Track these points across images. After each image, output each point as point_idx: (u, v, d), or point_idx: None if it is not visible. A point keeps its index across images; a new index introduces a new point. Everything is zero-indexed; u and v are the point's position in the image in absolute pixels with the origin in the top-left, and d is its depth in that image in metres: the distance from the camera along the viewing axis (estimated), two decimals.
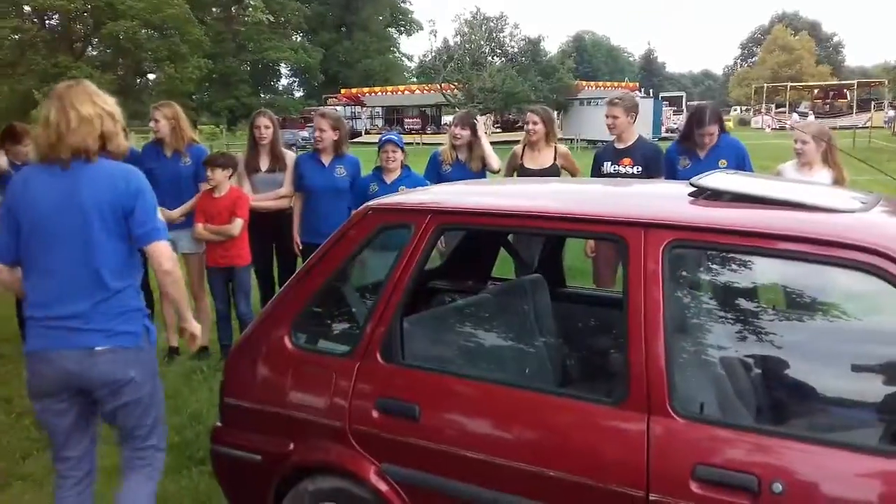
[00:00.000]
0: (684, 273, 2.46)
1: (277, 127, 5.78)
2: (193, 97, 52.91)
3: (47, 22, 51.56)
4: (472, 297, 3.28)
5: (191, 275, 5.71)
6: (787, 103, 58.02)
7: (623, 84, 52.39)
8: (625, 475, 2.18)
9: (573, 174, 5.72)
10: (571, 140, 32.26)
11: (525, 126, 5.77)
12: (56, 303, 2.70)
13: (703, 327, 2.44)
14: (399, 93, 47.71)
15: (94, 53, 53.42)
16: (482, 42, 41.79)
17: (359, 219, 2.77)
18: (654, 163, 5.17)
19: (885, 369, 2.41)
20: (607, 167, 5.30)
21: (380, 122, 52.10)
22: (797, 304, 2.68)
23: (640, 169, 5.16)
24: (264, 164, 5.65)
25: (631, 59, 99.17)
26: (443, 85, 40.94)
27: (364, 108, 51.37)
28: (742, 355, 2.46)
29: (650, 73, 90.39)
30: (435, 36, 65.18)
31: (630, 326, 2.24)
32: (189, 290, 5.82)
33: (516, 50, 42.99)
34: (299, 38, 61.02)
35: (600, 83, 49.45)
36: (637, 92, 48.88)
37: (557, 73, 42.05)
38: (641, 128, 32.10)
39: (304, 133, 38.17)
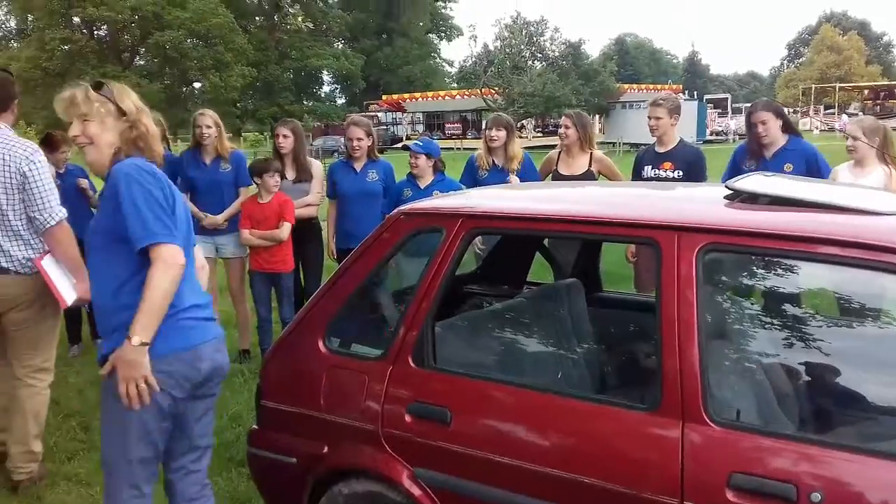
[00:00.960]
0: (719, 277, 2.42)
1: (302, 137, 5.83)
2: (238, 105, 53.70)
3: (96, 32, 52.81)
4: (506, 301, 3.27)
5: (233, 279, 5.81)
6: (836, 105, 56.78)
7: (666, 86, 51.91)
8: (659, 483, 2.15)
9: (613, 179, 5.66)
10: (613, 144, 32.00)
11: (559, 131, 5.74)
12: (196, 293, 2.67)
13: (738, 332, 2.40)
14: (440, 98, 47.88)
15: (142, 63, 54.56)
16: (522, 46, 41.74)
17: (391, 223, 2.78)
18: (695, 167, 5.08)
19: None
20: (647, 171, 5.23)
21: (421, 128, 52.35)
22: (835, 309, 2.62)
23: (680, 173, 5.09)
24: (290, 173, 5.71)
25: (674, 61, 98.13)
26: (483, 90, 40.95)
27: (405, 114, 51.67)
28: (779, 361, 2.41)
29: (694, 75, 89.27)
30: (475, 41, 65.28)
31: (664, 331, 2.21)
32: (228, 293, 5.94)
33: (557, 54, 42.83)
34: (341, 46, 61.63)
35: (643, 86, 49.05)
36: (681, 94, 48.34)
37: (599, 76, 41.79)
38: (685, 130, 31.67)
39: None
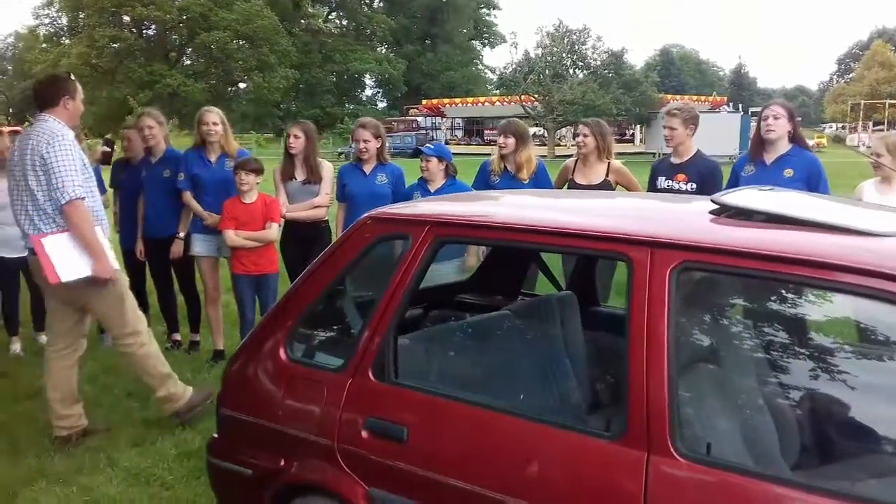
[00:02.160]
0: (694, 298, 2.23)
1: (314, 138, 5.70)
2: (280, 106, 54.21)
3: (144, 32, 53.74)
4: (490, 313, 3.10)
5: (208, 279, 5.73)
6: (886, 121, 55.38)
7: (710, 98, 51.13)
8: None
9: (630, 190, 5.45)
10: (654, 154, 31.55)
11: (575, 139, 5.54)
12: None
13: (714, 359, 2.19)
14: (479, 104, 47.75)
15: (188, 63, 55.39)
16: (564, 55, 41.41)
17: (357, 228, 2.63)
18: (709, 180, 4.84)
19: None
20: (661, 182, 5.02)
21: (460, 133, 52.25)
22: (824, 337, 2.40)
23: (694, 186, 4.86)
24: (300, 174, 5.56)
25: (720, 73, 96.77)
26: (522, 97, 40.71)
27: (444, 119, 51.63)
28: (759, 391, 2.20)
29: (740, 88, 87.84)
30: (516, 48, 64.98)
31: (631, 354, 2.03)
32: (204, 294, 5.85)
33: (599, 63, 42.42)
34: (384, 50, 61.92)
35: (686, 96, 48.28)
36: (725, 106, 47.63)
37: (641, 86, 41.28)
38: (728, 143, 31.08)
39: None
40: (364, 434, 2.42)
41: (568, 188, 5.41)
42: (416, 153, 5.60)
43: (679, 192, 4.84)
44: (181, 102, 48.31)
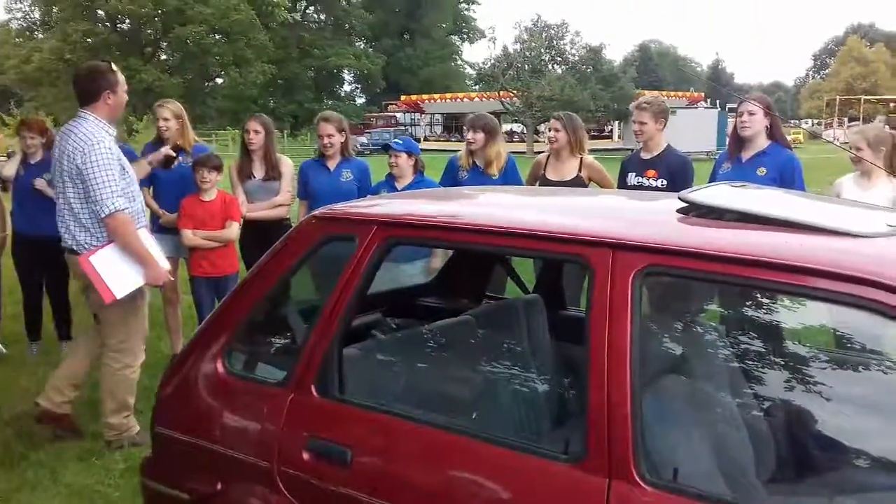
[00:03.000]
0: (660, 305, 2.05)
1: (272, 133, 5.46)
2: (258, 102, 53.62)
3: (119, 26, 52.94)
4: (447, 319, 2.89)
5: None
6: (861, 117, 55.74)
7: (688, 94, 51.19)
8: None
9: (603, 186, 5.28)
10: (632, 150, 31.52)
11: (547, 133, 5.36)
12: None
13: (682, 372, 2.01)
14: (458, 100, 47.52)
15: (164, 58, 54.64)
16: (542, 50, 41.23)
17: (301, 228, 2.43)
18: (680, 176, 4.68)
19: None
20: (631, 178, 4.87)
21: (439, 129, 51.99)
22: (792, 344, 2.22)
23: (664, 182, 4.70)
24: (259, 171, 5.31)
25: (698, 69, 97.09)
26: (501, 93, 40.53)
27: (423, 115, 51.35)
28: (731, 406, 2.02)
29: (717, 84, 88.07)
30: (494, 43, 64.62)
31: (591, 369, 1.84)
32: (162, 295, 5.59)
33: (577, 58, 42.27)
34: (362, 45, 61.47)
35: (664, 92, 48.30)
36: (702, 102, 47.66)
37: (619, 81, 41.22)
38: (706, 139, 31.20)
39: (363, 138, 38.32)
40: (305, 456, 2.21)
41: (540, 184, 5.23)
42: (385, 148, 5.41)
43: (649, 188, 4.68)
44: (155, 98, 47.66)
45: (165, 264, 4.04)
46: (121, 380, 4.11)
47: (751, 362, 2.12)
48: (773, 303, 2.03)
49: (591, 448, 1.82)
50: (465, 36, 67.23)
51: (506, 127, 51.37)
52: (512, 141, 42.78)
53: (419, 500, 2.02)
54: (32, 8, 55.58)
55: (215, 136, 39.64)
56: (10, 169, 5.57)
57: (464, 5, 66.73)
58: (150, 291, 4.36)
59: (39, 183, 5.45)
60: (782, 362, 2.16)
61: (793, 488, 2.07)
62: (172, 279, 4.04)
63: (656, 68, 79.86)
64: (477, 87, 54.30)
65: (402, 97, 50.59)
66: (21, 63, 49.43)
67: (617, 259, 1.86)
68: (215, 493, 2.39)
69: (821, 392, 2.20)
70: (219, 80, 55.52)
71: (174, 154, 4.61)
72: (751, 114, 4.36)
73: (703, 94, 51.74)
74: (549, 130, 5.30)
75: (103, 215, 3.81)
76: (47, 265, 5.64)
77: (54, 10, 51.42)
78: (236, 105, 51.93)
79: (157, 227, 5.38)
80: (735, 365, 2.09)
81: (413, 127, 50.63)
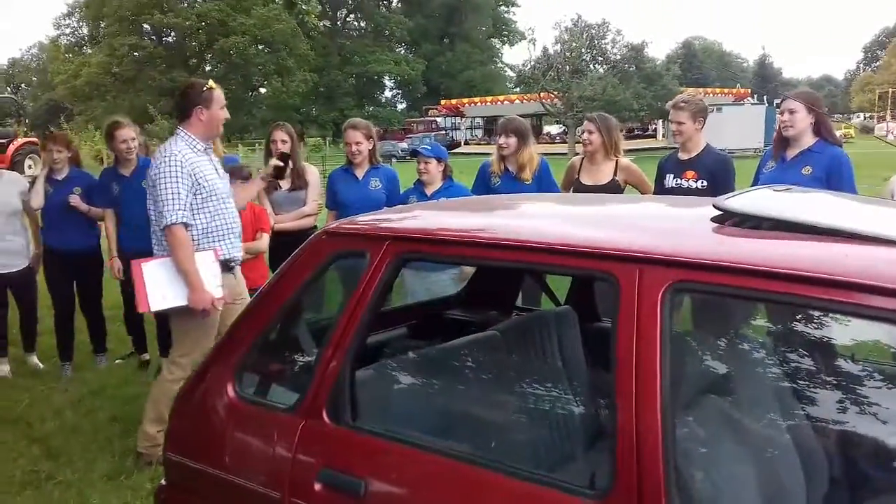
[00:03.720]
0: (693, 325, 1.87)
1: (297, 141, 5.37)
2: (300, 110, 54.14)
3: (164, 39, 53.96)
4: (472, 335, 2.74)
5: None
6: None
7: (734, 90, 50.27)
8: None
9: (642, 190, 5.08)
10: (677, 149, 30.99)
11: (580, 136, 5.17)
12: None
13: (716, 397, 1.83)
14: (498, 103, 47.29)
15: (209, 69, 55.51)
16: (583, 50, 40.83)
17: (311, 244, 2.30)
18: (721, 176, 4.46)
19: None
20: (669, 180, 4.65)
21: (479, 133, 51.82)
22: (843, 363, 2.02)
23: (704, 183, 4.49)
24: (284, 181, 5.18)
25: (744, 64, 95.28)
26: (542, 94, 40.23)
27: (464, 119, 51.24)
28: (776, 433, 1.82)
29: (764, 79, 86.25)
30: (534, 45, 64.32)
31: (618, 394, 1.68)
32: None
33: (619, 57, 41.78)
34: (402, 51, 61.67)
35: (709, 89, 47.49)
36: (749, 98, 46.77)
37: (662, 79, 40.61)
38: (752, 136, 30.64)
39: (404, 144, 38.40)
40: (317, 486, 2.08)
41: (574, 189, 5.05)
42: (414, 154, 5.28)
43: (688, 190, 4.47)
44: None
45: (216, 292, 3.90)
46: (167, 391, 4.01)
47: (799, 383, 1.93)
48: (819, 321, 1.84)
49: (619, 480, 1.66)
50: (504, 38, 66.97)
51: (547, 128, 51.10)
52: (553, 142, 42.46)
53: None
54: (81, 24, 57.08)
55: (258, 145, 40.00)
56: (39, 197, 5.51)
57: (503, 8, 66.52)
58: None
59: (74, 199, 5.45)
60: (833, 383, 1.97)
61: None
62: (218, 308, 3.92)
63: (701, 65, 78.55)
64: (518, 89, 54.07)
65: (443, 101, 50.56)
66: (70, 77, 50.71)
67: (644, 275, 1.70)
68: None
69: (877, 414, 2.00)
70: (262, 90, 56.20)
71: (282, 163, 4.49)
72: (792, 112, 4.12)
73: (749, 90, 50.75)
74: (583, 133, 5.12)
75: (163, 225, 3.82)
76: (80, 280, 5.64)
77: (102, 26, 52.66)
78: (279, 114, 52.51)
79: None
80: (781, 387, 1.90)
81: (454, 131, 50.63)
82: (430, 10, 61.55)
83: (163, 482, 2.55)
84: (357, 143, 5.13)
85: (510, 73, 65.30)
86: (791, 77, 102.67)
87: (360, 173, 5.19)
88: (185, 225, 3.82)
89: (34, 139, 24.57)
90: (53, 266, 5.62)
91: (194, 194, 3.87)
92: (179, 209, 3.80)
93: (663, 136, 43.05)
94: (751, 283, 1.60)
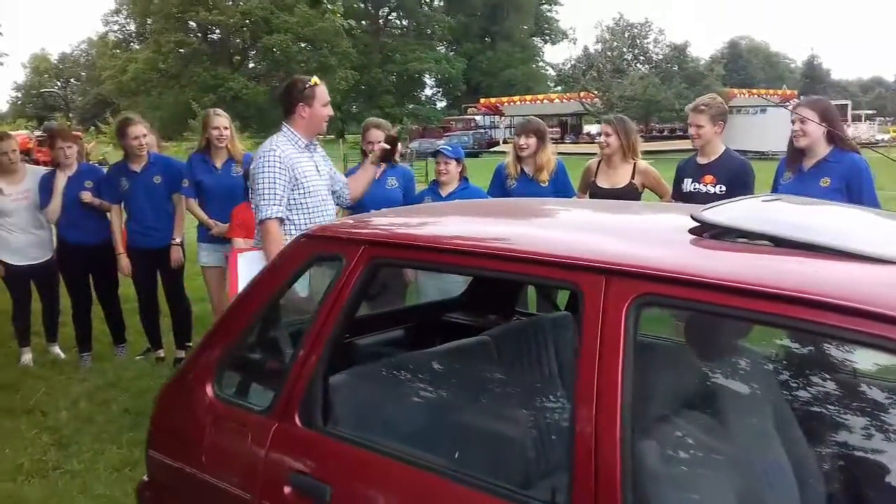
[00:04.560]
0: (657, 340, 1.81)
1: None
2: (341, 108, 54.49)
3: (209, 36, 54.71)
4: (458, 342, 2.70)
5: (215, 291, 5.35)
6: None
7: (780, 92, 49.34)
8: None
9: (659, 193, 4.98)
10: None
11: (598, 138, 5.09)
12: None
13: (679, 414, 1.76)
14: (538, 102, 47.04)
15: (252, 66, 56.18)
16: (624, 49, 40.46)
17: (292, 247, 2.29)
18: (740, 180, 4.34)
19: None
20: (687, 185, 4.54)
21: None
22: (808, 386, 1.93)
23: (723, 188, 4.38)
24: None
25: (792, 65, 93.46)
26: (581, 94, 39.94)
27: (503, 118, 51.07)
28: (735, 455, 1.75)
29: (812, 81, 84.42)
30: (574, 44, 63.97)
31: (577, 408, 1.63)
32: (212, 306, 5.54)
33: (661, 57, 41.29)
34: (443, 49, 61.71)
35: (754, 91, 46.66)
36: (795, 100, 45.84)
37: (705, 80, 40.03)
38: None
39: (442, 142, 38.40)
40: (287, 490, 2.06)
41: (590, 192, 4.97)
42: (434, 154, 5.25)
43: (707, 195, 4.36)
44: (244, 106, 49.04)
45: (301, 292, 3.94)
46: None
47: (769, 403, 1.85)
48: (783, 337, 1.77)
49: (576, 498, 1.61)
50: (546, 37, 66.61)
51: (587, 128, 50.69)
52: (593, 142, 42.11)
53: None
54: (128, 20, 58.08)
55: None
56: (56, 205, 5.56)
57: (546, 6, 66.19)
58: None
59: (87, 196, 5.53)
60: (801, 399, 1.88)
61: None
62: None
63: (747, 66, 77.23)
64: (558, 88, 53.77)
65: (482, 100, 50.46)
66: (117, 73, 51.71)
67: (610, 286, 1.64)
68: None
69: (844, 429, 1.91)
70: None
71: (389, 146, 4.43)
72: (803, 122, 3.99)
73: (796, 92, 49.75)
74: (600, 135, 5.03)
75: (258, 219, 3.86)
76: (96, 272, 5.71)
77: (148, 22, 53.57)
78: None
79: (206, 237, 5.38)
80: (753, 407, 1.83)
81: (492, 129, 50.45)
82: (472, 8, 61.45)
83: (145, 478, 2.56)
84: (379, 142, 5.12)
85: (551, 72, 65.01)
86: (840, 78, 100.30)
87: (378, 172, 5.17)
88: (281, 220, 3.83)
89: (78, 133, 25.13)
90: (69, 260, 5.70)
91: (292, 190, 3.87)
92: (275, 204, 3.80)
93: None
94: (714, 297, 1.53)
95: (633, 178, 4.86)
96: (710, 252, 1.70)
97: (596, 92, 39.21)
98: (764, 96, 42.74)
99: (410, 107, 57.31)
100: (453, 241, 1.97)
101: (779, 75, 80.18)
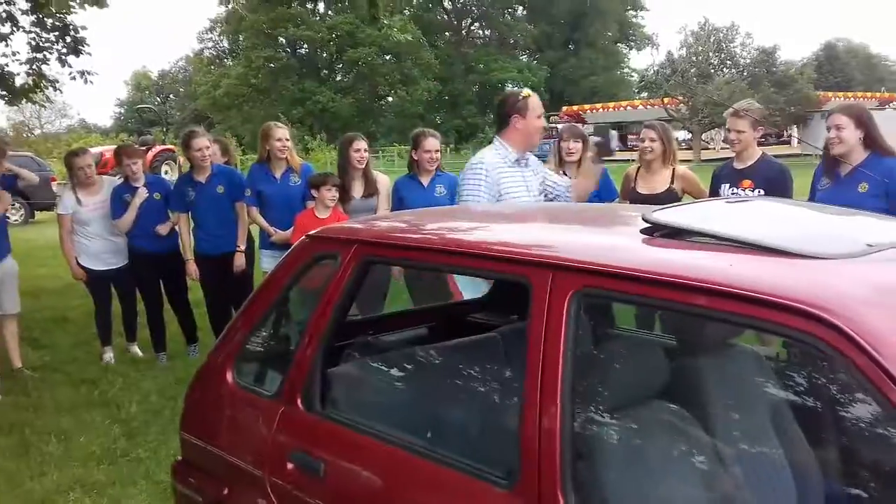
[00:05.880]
0: (596, 329, 1.95)
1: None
2: (424, 118, 55.22)
3: (297, 51, 56.40)
4: (468, 337, 2.89)
5: None
6: None
7: (878, 94, 47.29)
8: None
9: (697, 197, 5.03)
10: (811, 155, 29.51)
11: (640, 144, 5.17)
12: None
13: (613, 398, 1.89)
14: (621, 109, 46.53)
15: (338, 78, 57.56)
16: (710, 53, 39.60)
17: (297, 247, 2.53)
18: (778, 184, 4.40)
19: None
20: (725, 190, 4.61)
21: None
22: (719, 371, 2.03)
23: (761, 192, 4.43)
24: (358, 190, 5.44)
25: (893, 67, 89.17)
26: (665, 100, 39.28)
27: (585, 125, 50.63)
28: (658, 434, 1.88)
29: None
30: (657, 50, 62.89)
31: (526, 392, 1.80)
32: None
33: (748, 61, 40.21)
34: (525, 58, 61.71)
35: (850, 94, 44.85)
36: (894, 103, 43.87)
37: (795, 83, 38.75)
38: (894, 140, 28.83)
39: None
40: (289, 466, 2.30)
41: (630, 198, 5.06)
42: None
43: None
44: (331, 118, 50.35)
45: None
46: None
47: (678, 390, 1.96)
48: (708, 326, 1.88)
49: (524, 472, 1.78)
50: (632, 43, 65.72)
51: (677, 134, 49.70)
52: (679, 148, 41.31)
53: None
54: (221, 38, 60.42)
55: (382, 153, 41.15)
56: (129, 219, 6.00)
57: (631, 12, 65.33)
58: None
59: (163, 229, 6.03)
60: (709, 391, 1.99)
61: None
62: None
63: (844, 68, 74.14)
64: (644, 94, 53.01)
65: (564, 108, 50.22)
66: (210, 88, 53.88)
67: (556, 280, 1.81)
68: (223, 498, 2.53)
69: (738, 427, 2.01)
70: (389, 99, 57.68)
71: (602, 139, 4.47)
72: (839, 128, 4.00)
73: (895, 95, 47.56)
74: (644, 141, 5.11)
75: None
76: (167, 277, 6.14)
77: (241, 39, 55.62)
78: (404, 122, 53.73)
79: (268, 245, 5.72)
80: (663, 394, 1.94)
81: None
82: (554, 16, 61.21)
83: (178, 458, 2.84)
84: (436, 151, 5.37)
85: (636, 78, 64.10)
86: None
87: (425, 180, 5.39)
88: None
89: (171, 147, 26.45)
90: (141, 267, 6.15)
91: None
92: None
93: (799, 142, 41.11)
94: (642, 290, 1.68)
95: (672, 182, 4.93)
96: (648, 249, 1.84)
97: (680, 97, 38.49)
98: (860, 99, 41.07)
99: (492, 117, 57.45)
100: (427, 240, 2.17)
101: (878, 78, 76.60)
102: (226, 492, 2.52)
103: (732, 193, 4.57)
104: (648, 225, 1.94)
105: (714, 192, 4.69)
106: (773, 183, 4.41)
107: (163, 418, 5.04)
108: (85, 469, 4.32)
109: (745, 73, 39.46)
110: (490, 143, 4.31)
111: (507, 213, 2.79)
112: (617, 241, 1.95)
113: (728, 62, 40.86)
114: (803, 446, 1.89)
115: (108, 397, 5.48)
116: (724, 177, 4.66)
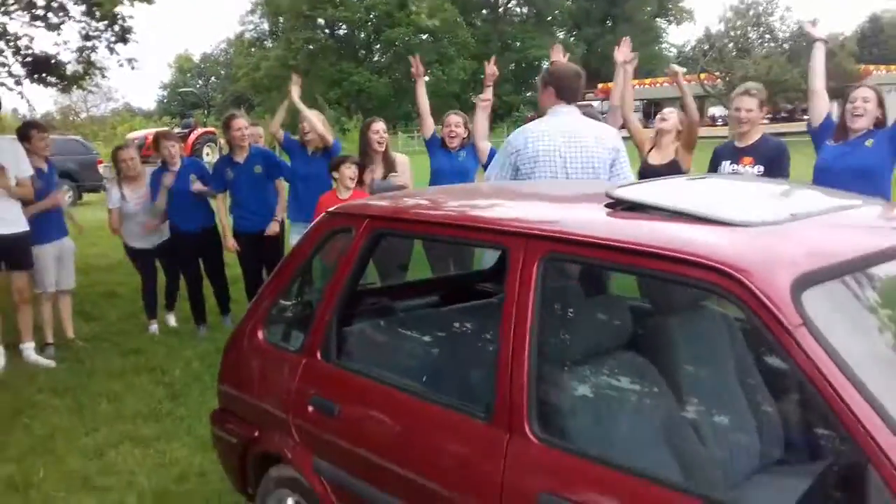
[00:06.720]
0: (561, 289, 2.29)
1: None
2: (460, 98, 55.32)
3: (335, 32, 56.83)
4: (470, 303, 3.25)
5: None
6: None
7: None
8: (483, 496, 2.10)
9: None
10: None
11: (655, 121, 5.44)
12: None
13: (572, 349, 2.23)
14: (657, 85, 46.10)
15: (375, 59, 57.88)
16: (749, 28, 39.04)
17: (319, 222, 2.90)
18: (777, 162, 4.65)
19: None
20: (726, 167, 4.86)
21: (638, 116, 50.65)
22: (660, 326, 2.36)
23: (761, 169, 4.68)
24: (378, 172, 5.77)
25: None
26: (702, 75, 38.88)
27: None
28: (610, 380, 2.22)
29: None
30: (694, 24, 62.12)
31: (501, 342, 2.14)
32: None
33: (787, 35, 39.58)
34: (562, 35, 61.29)
35: (893, 66, 43.86)
36: None
37: (835, 57, 38.05)
38: None
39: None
40: (310, 409, 2.68)
41: (640, 170, 5.28)
42: None
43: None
44: (367, 98, 50.79)
45: None
46: None
47: (624, 342, 2.30)
48: (657, 287, 2.19)
49: (498, 409, 2.12)
50: (671, 18, 64.84)
51: (711, 110, 49.14)
52: (715, 125, 40.92)
53: (384, 449, 2.42)
54: (262, 20, 61.07)
55: (416, 132, 41.45)
56: (161, 203, 6.40)
57: None
58: None
59: (197, 186, 6.39)
60: (650, 341, 2.33)
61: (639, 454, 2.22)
62: None
63: (889, 40, 72.29)
64: (683, 70, 52.29)
65: (600, 85, 49.94)
66: (251, 70, 54.64)
67: (529, 247, 2.14)
68: (254, 439, 2.93)
69: (674, 373, 2.33)
70: (426, 78, 57.90)
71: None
72: (866, 100, 4.30)
73: None
74: (663, 116, 5.35)
75: None
76: (204, 254, 6.56)
77: (280, 21, 56.22)
78: (440, 101, 53.85)
79: (299, 218, 6.10)
80: (614, 345, 2.28)
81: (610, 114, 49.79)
82: None
83: (217, 408, 3.24)
84: (457, 126, 5.74)
85: (675, 53, 63.30)
86: None
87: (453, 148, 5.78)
88: None
89: (212, 129, 27.13)
90: (180, 244, 6.57)
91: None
92: (493, 179, 4.02)
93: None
94: (593, 253, 2.01)
95: (676, 154, 5.18)
96: (608, 221, 2.16)
97: (718, 73, 38.10)
98: None
99: (528, 94, 57.34)
100: (428, 215, 2.53)
101: None
102: (256, 434, 2.92)
103: (733, 170, 4.81)
104: (612, 200, 2.26)
105: (714, 168, 4.94)
106: (773, 160, 4.66)
107: (202, 382, 5.46)
108: (133, 425, 4.77)
109: (784, 48, 38.85)
110: (524, 121, 4.65)
111: (497, 190, 3.13)
112: (581, 215, 2.27)
113: (767, 36, 40.24)
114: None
115: (153, 364, 5.93)
116: (725, 154, 4.90)
